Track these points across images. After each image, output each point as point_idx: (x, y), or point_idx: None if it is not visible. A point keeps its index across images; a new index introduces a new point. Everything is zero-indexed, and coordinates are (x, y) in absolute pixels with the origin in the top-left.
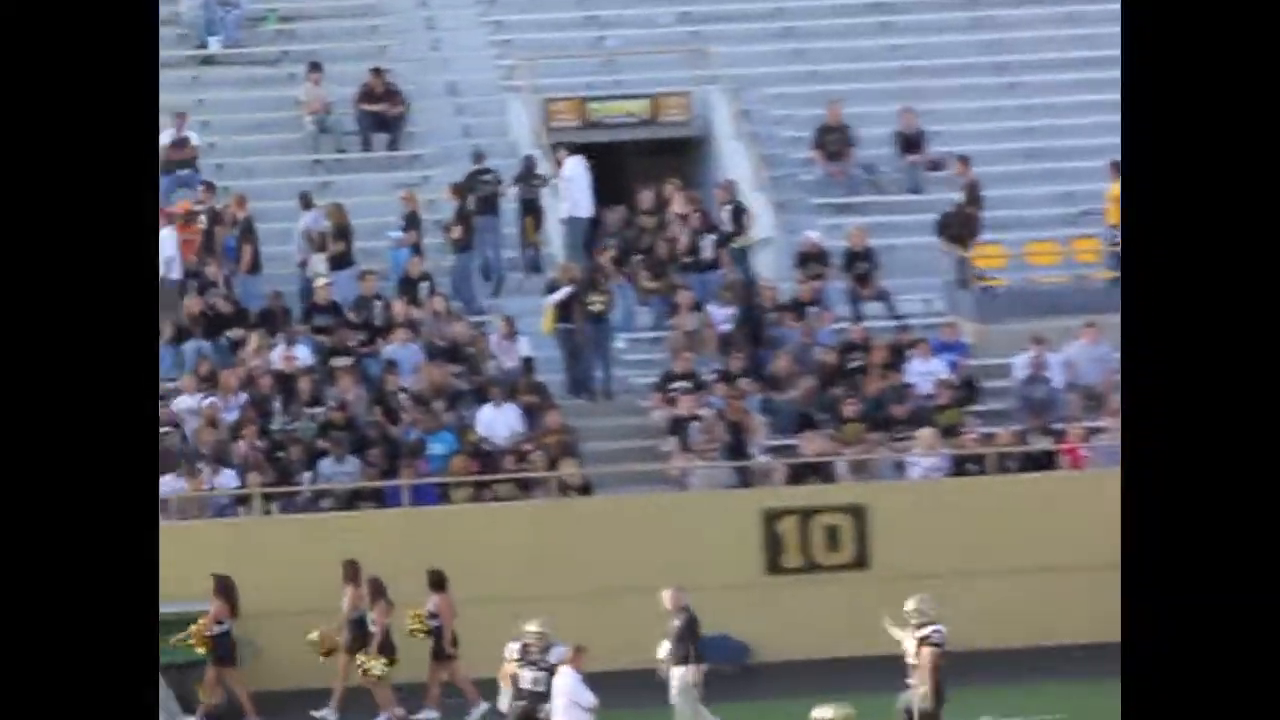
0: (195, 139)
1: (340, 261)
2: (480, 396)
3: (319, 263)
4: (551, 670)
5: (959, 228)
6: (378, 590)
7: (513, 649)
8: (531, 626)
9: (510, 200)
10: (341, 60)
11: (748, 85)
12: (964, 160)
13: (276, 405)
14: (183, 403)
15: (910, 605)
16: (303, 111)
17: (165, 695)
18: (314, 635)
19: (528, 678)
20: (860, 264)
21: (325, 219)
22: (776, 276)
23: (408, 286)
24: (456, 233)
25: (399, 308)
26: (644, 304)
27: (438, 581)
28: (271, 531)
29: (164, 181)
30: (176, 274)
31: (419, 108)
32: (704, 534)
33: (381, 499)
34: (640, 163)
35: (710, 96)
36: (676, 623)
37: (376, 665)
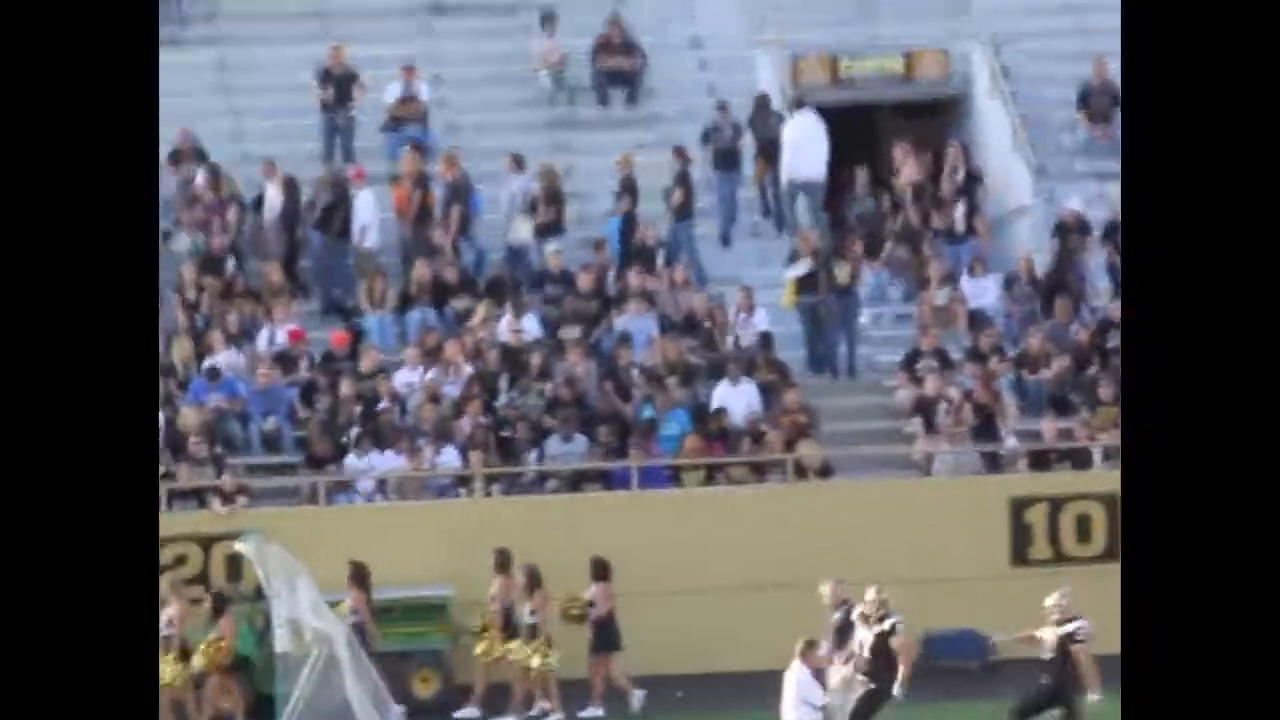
0: (424, 93)
1: (551, 229)
2: (716, 373)
3: (524, 229)
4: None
5: None
6: (534, 580)
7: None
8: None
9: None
10: (579, 10)
11: (1009, 41)
12: None
13: (502, 381)
14: (404, 376)
15: (1051, 601)
16: (536, 65)
17: (376, 684)
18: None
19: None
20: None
21: (536, 181)
22: (1033, 247)
23: (643, 255)
24: (678, 198)
25: (633, 278)
26: (893, 277)
27: (600, 570)
28: (494, 514)
29: (389, 139)
30: (372, 241)
31: (659, 63)
32: (948, 522)
33: (609, 480)
34: (893, 124)
35: (970, 53)
36: (837, 616)
37: (536, 657)
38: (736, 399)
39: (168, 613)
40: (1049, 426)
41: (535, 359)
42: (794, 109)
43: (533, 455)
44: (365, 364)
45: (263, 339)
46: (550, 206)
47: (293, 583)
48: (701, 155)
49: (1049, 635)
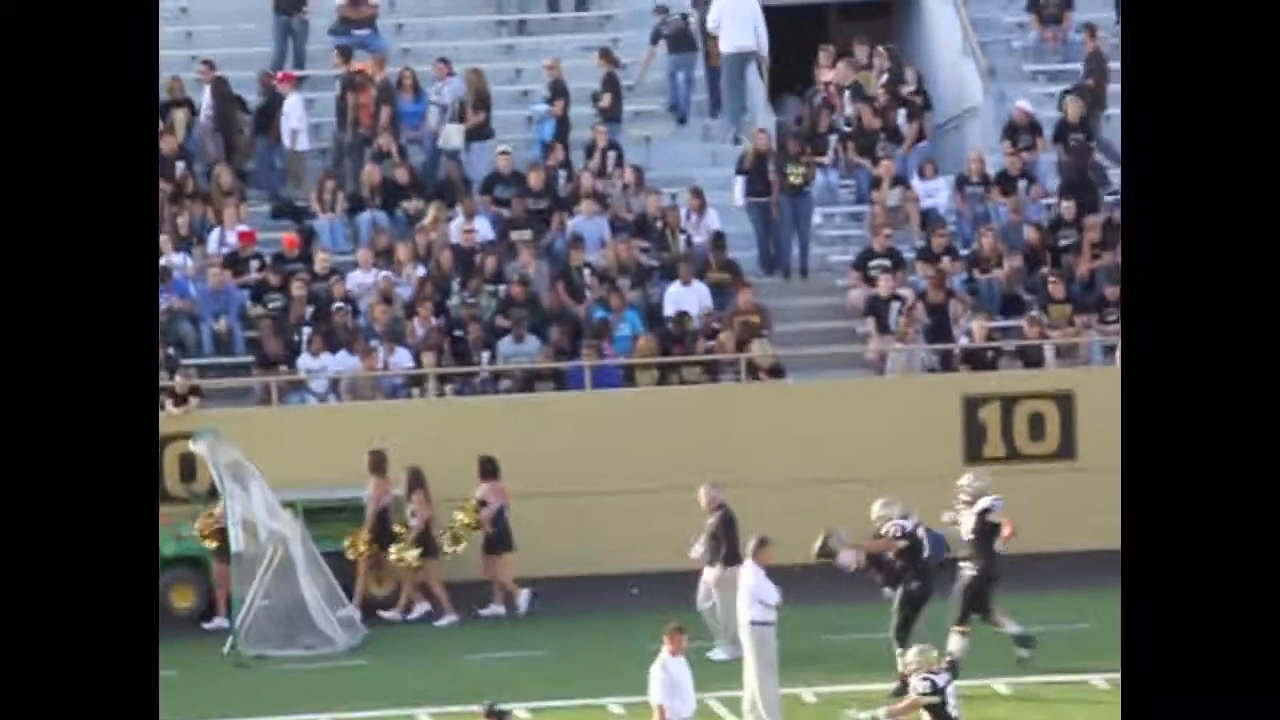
0: None
1: (479, 133)
2: (668, 274)
3: (454, 133)
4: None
5: None
6: (416, 480)
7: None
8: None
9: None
10: None
11: None
12: None
13: (454, 282)
14: (357, 278)
15: (963, 481)
16: None
17: (324, 586)
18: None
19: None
20: (1074, 136)
21: (464, 85)
22: (984, 148)
23: (594, 156)
24: (605, 101)
25: (585, 180)
26: (844, 177)
27: (488, 469)
28: (447, 414)
29: (338, 40)
30: (303, 144)
31: None
32: (901, 421)
33: (563, 381)
34: (840, 25)
35: None
36: (711, 520)
37: (411, 555)
38: (689, 299)
39: None
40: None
41: (487, 261)
42: None
43: (485, 356)
44: (318, 265)
45: (213, 241)
46: (478, 112)
47: (246, 483)
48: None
49: (966, 519)
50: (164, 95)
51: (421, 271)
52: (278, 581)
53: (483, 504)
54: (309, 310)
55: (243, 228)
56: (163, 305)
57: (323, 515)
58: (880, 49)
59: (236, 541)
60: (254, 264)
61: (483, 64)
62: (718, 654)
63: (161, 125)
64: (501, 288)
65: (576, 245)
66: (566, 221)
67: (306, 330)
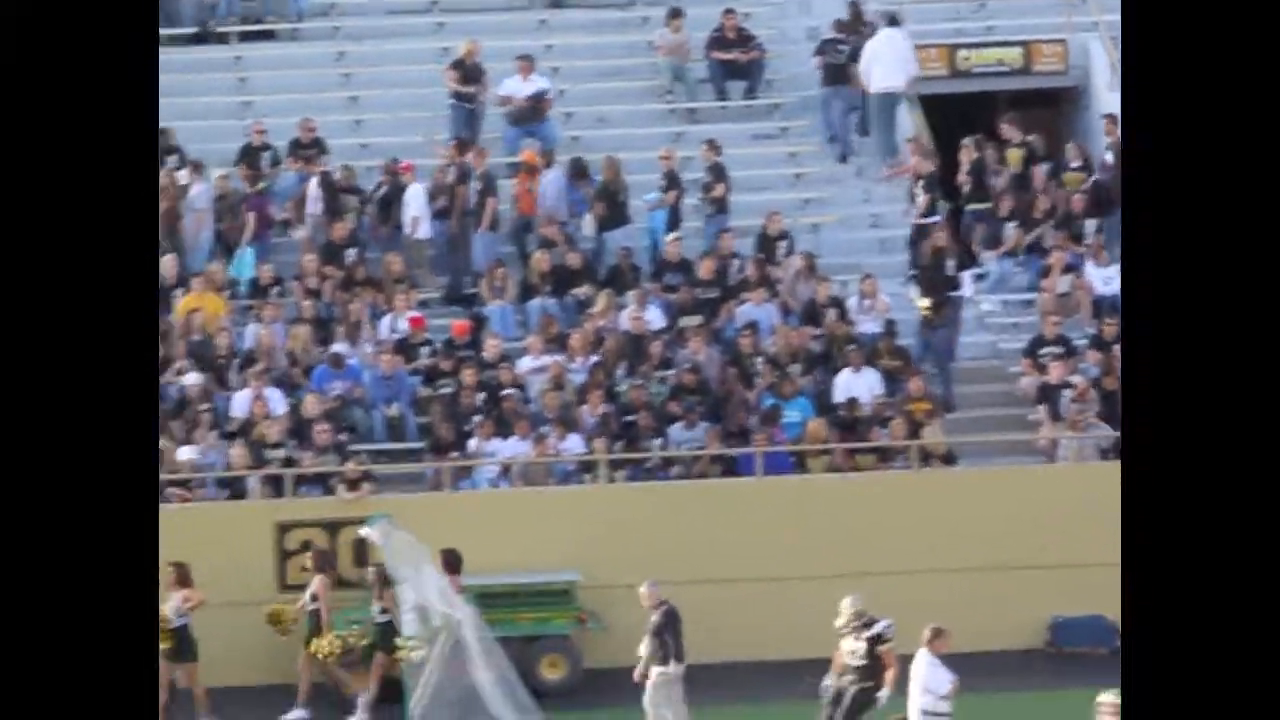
0: (543, 86)
1: (611, 220)
2: (839, 361)
3: (587, 224)
4: (875, 641)
5: None
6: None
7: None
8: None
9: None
10: (699, 3)
11: None
12: None
13: (624, 368)
14: (527, 364)
15: (845, 606)
16: (657, 56)
17: (498, 671)
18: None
19: (848, 650)
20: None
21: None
22: None
23: (766, 244)
24: (718, 191)
25: (753, 268)
26: (1016, 264)
27: (453, 563)
28: (618, 500)
29: (509, 131)
30: (424, 232)
31: (778, 53)
32: (1072, 508)
33: (733, 467)
34: (1008, 113)
35: (1088, 44)
36: (655, 618)
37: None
38: (860, 386)
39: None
40: None
41: (657, 347)
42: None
43: (656, 442)
44: (488, 351)
45: (384, 327)
46: (601, 201)
47: (419, 568)
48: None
49: (855, 645)
50: (336, 179)
51: (593, 358)
52: (451, 666)
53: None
54: (480, 396)
55: (413, 314)
56: (336, 391)
57: (496, 600)
58: (1048, 136)
59: (409, 626)
60: (424, 350)
61: (650, 152)
62: None
63: (330, 212)
64: (671, 373)
65: (747, 332)
66: (735, 309)
67: (477, 416)
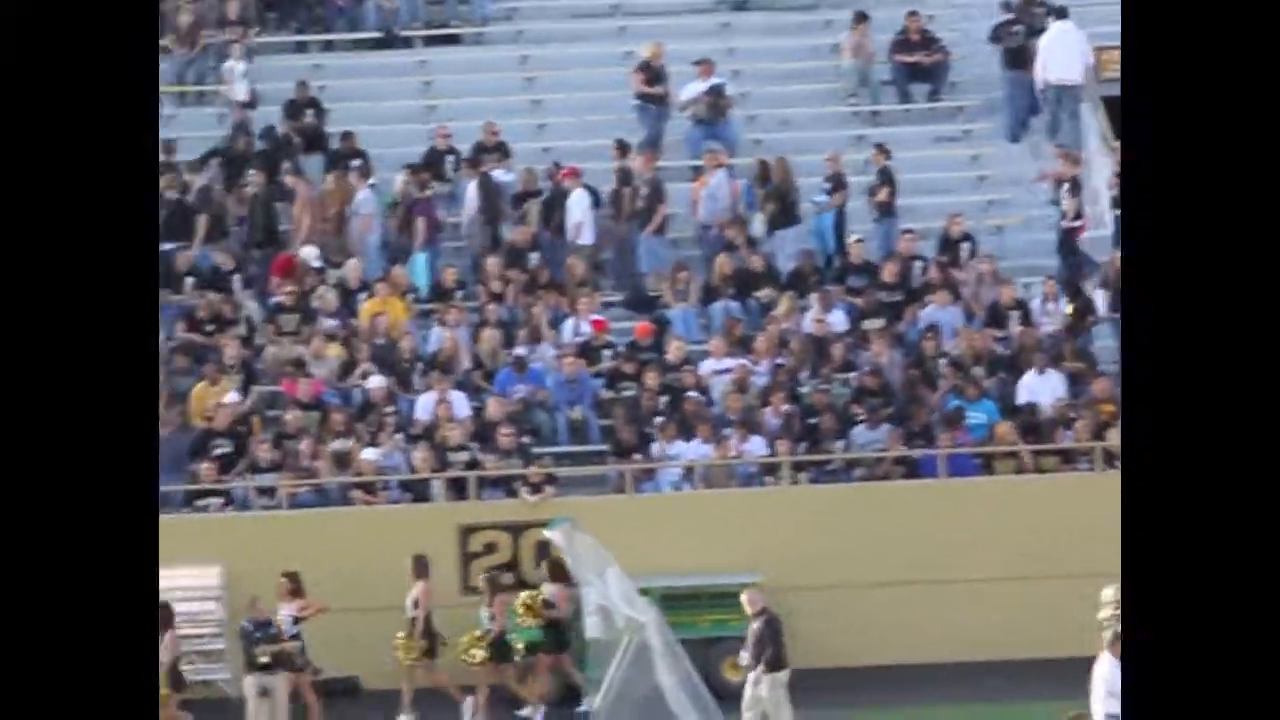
0: (725, 89)
1: (779, 220)
2: (1022, 363)
3: (757, 222)
4: None
5: None
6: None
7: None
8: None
9: None
10: (883, 5)
11: None
12: None
13: (806, 370)
14: (710, 366)
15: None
16: (840, 59)
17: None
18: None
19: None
20: None
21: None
22: None
23: (948, 246)
24: (882, 195)
25: (936, 270)
26: None
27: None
28: (801, 502)
29: (693, 132)
30: (586, 238)
31: (961, 55)
32: None
33: (916, 469)
34: None
35: None
36: (756, 625)
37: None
38: (1043, 388)
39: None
40: None
41: (839, 349)
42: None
43: (839, 444)
44: (671, 354)
45: (567, 330)
46: (770, 201)
47: (602, 570)
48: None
49: None
50: (518, 186)
51: (776, 361)
52: (634, 668)
53: (550, 605)
54: (662, 399)
55: (596, 316)
56: (519, 394)
57: (678, 602)
58: None
59: (593, 628)
60: (607, 353)
61: (834, 154)
62: None
63: (515, 215)
64: (853, 375)
65: (930, 334)
66: (918, 311)
67: (659, 419)
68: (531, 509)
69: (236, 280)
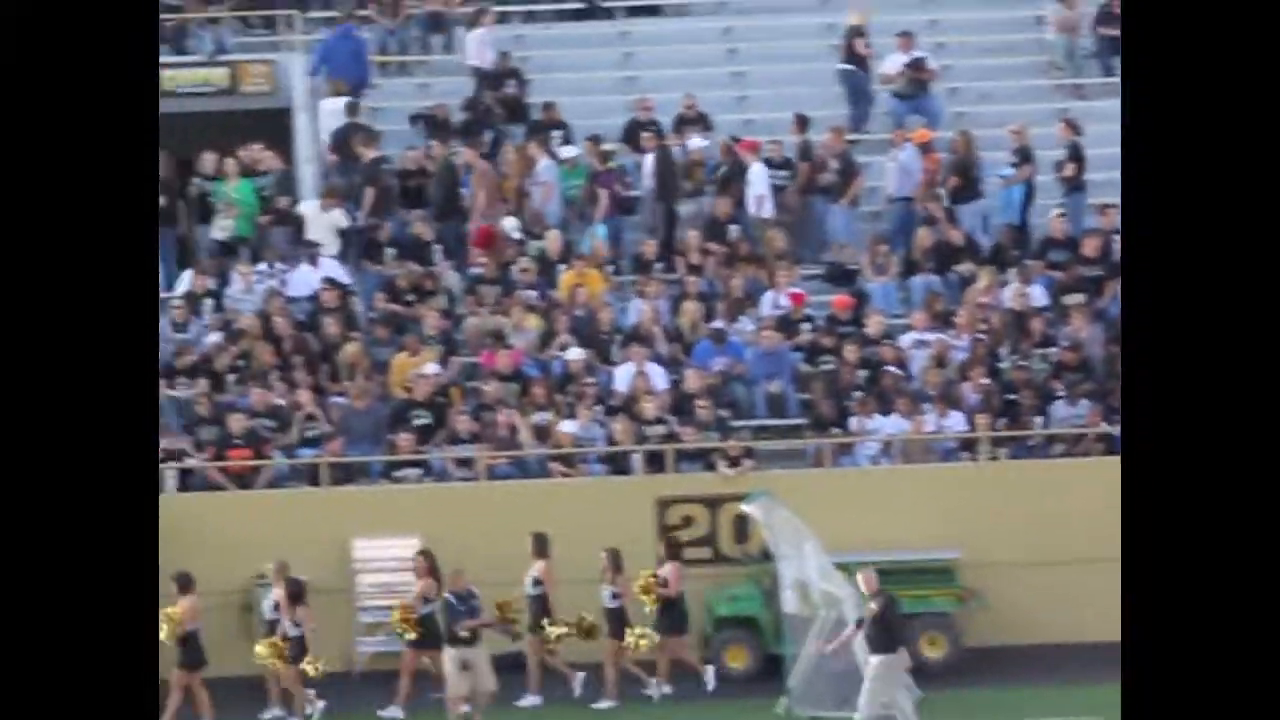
0: (930, 62)
1: (961, 194)
2: None
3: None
4: None
5: None
6: (616, 563)
7: None
8: None
9: None
10: None
11: None
12: None
13: (1006, 345)
14: (909, 339)
15: None
16: (1044, 33)
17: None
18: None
19: None
20: None
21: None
22: None
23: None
24: (1069, 171)
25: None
26: None
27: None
28: (1000, 477)
29: (896, 106)
30: (767, 211)
31: None
32: None
33: (1116, 445)
34: None
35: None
36: (873, 605)
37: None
38: None
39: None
40: None
41: (1039, 324)
42: None
43: (1038, 419)
44: (870, 328)
45: (766, 303)
46: (956, 175)
47: (800, 545)
48: None
49: None
50: (717, 158)
51: (976, 335)
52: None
53: (664, 584)
54: (861, 373)
55: (795, 290)
56: (717, 367)
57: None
58: None
59: (789, 603)
60: (806, 326)
61: (1037, 128)
62: None
63: (714, 187)
64: (1053, 351)
65: None
66: (1118, 287)
67: (858, 393)
68: (729, 482)
69: (437, 251)
